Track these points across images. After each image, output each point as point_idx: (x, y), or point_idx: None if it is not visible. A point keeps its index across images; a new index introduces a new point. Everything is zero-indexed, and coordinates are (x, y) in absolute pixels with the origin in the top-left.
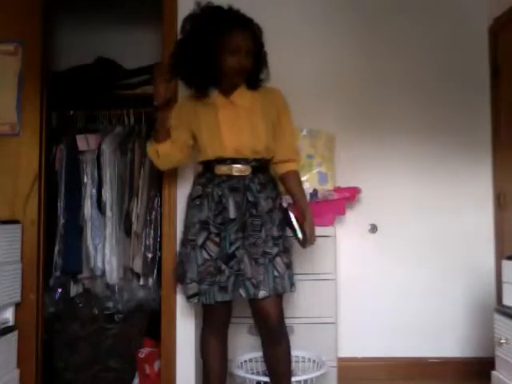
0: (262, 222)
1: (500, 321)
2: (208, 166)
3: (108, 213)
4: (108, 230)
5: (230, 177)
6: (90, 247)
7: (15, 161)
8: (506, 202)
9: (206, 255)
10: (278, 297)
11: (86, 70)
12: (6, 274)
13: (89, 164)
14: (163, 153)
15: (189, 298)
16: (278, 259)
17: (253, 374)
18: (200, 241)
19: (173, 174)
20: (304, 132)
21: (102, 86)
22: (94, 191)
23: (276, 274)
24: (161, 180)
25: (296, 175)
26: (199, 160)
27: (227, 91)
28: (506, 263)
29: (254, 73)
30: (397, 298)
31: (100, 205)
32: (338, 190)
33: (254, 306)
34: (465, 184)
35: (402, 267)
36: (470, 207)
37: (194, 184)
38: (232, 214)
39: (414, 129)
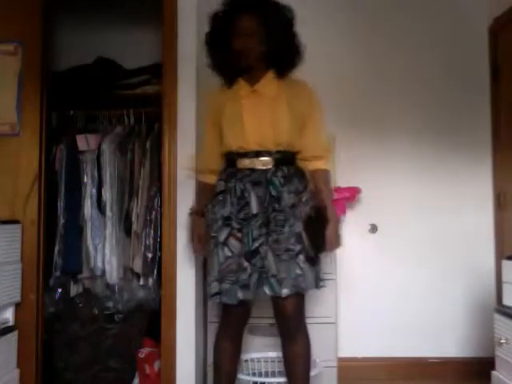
0: (285, 217)
1: (500, 321)
2: (230, 160)
3: (108, 213)
4: (108, 230)
5: (252, 171)
6: (90, 247)
7: (15, 161)
8: (506, 201)
9: (227, 252)
10: (299, 295)
11: (86, 70)
12: (6, 274)
13: (89, 164)
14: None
15: (211, 296)
16: (301, 256)
17: (254, 374)
18: (222, 237)
19: (173, 174)
20: None
21: (102, 85)
22: (94, 191)
23: (299, 271)
24: (161, 180)
25: (323, 174)
26: (223, 152)
27: (253, 80)
28: (506, 263)
29: (274, 57)
30: (397, 298)
31: (100, 205)
32: (338, 189)
33: (275, 303)
34: (465, 184)
35: (402, 267)
36: (470, 207)
37: (218, 180)
38: (254, 209)
39: (414, 129)
